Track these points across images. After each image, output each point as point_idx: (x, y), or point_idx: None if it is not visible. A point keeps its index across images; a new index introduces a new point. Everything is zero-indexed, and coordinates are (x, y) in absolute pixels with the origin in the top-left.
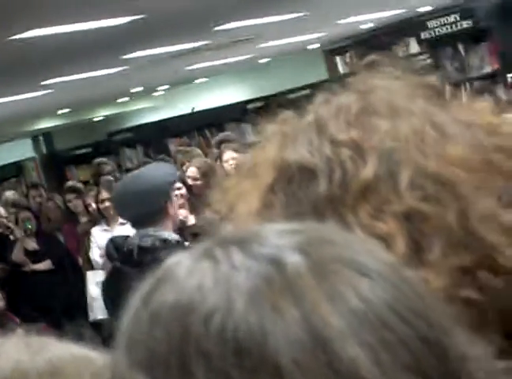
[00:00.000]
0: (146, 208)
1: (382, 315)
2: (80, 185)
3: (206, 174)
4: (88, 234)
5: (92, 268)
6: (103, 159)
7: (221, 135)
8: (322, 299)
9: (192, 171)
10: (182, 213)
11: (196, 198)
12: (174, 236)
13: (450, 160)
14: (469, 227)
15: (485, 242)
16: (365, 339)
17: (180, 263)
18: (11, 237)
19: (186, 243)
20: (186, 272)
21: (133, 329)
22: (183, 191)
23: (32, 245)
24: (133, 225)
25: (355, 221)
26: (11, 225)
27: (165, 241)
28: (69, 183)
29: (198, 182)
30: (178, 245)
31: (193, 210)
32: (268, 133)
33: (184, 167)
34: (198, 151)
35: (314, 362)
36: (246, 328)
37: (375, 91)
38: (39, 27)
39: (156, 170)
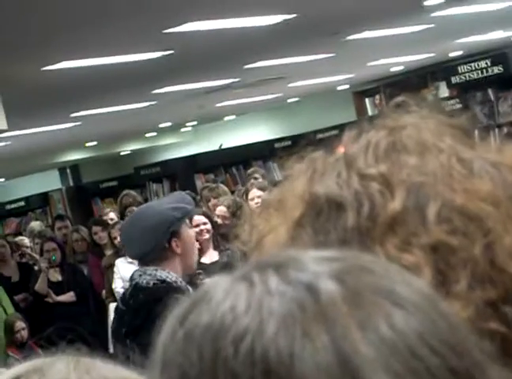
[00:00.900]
0: (148, 245)
1: (412, 345)
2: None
3: (235, 213)
4: (112, 266)
5: (115, 299)
6: (129, 191)
7: (250, 170)
8: (353, 327)
9: (221, 210)
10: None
11: (222, 236)
12: (173, 277)
13: (477, 195)
14: (495, 261)
15: (511, 276)
16: (393, 367)
17: (218, 285)
18: (35, 267)
19: (188, 286)
20: (221, 294)
21: (168, 349)
22: (208, 226)
23: (56, 276)
24: (139, 263)
25: (383, 252)
26: (36, 255)
27: (163, 281)
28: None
29: (227, 222)
30: (178, 287)
31: (217, 247)
32: (296, 168)
33: (210, 204)
34: (225, 188)
35: None
36: (276, 351)
37: (404, 128)
38: (72, 59)
39: (163, 205)
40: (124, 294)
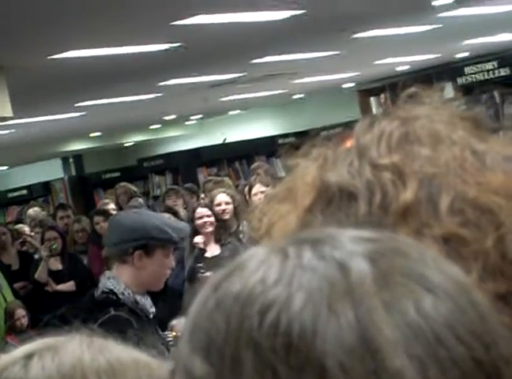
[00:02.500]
0: (116, 240)
1: (438, 331)
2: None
3: (235, 198)
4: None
5: None
6: (124, 184)
7: (254, 165)
8: (380, 307)
9: (222, 197)
10: (198, 240)
11: (224, 228)
12: (121, 288)
13: (490, 187)
14: (507, 254)
15: None
16: (416, 352)
17: (254, 255)
18: (36, 256)
19: (137, 298)
20: (255, 264)
21: (199, 315)
22: (212, 219)
23: (56, 265)
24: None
25: None
26: (36, 244)
27: (110, 291)
28: (107, 208)
29: (230, 206)
30: (119, 301)
31: (218, 240)
32: (308, 156)
33: (209, 197)
34: (230, 182)
35: (359, 368)
36: (299, 325)
37: (417, 118)
38: (79, 48)
39: (155, 220)
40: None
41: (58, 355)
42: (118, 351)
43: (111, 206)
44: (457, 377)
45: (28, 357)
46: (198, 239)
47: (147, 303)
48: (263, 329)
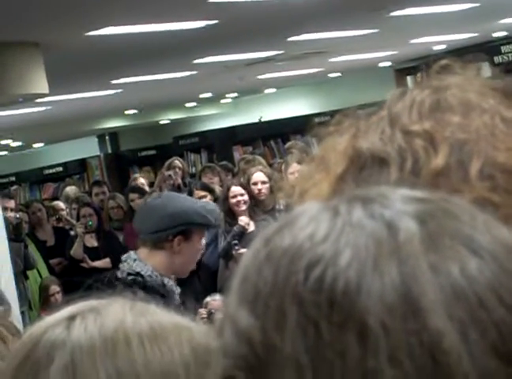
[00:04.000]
0: (154, 226)
1: (481, 294)
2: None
3: (271, 177)
4: None
5: None
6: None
7: (289, 143)
8: (425, 268)
9: (259, 175)
10: (244, 220)
11: (258, 206)
12: (148, 270)
13: None
14: None
15: None
16: (457, 314)
17: (305, 211)
18: (71, 232)
19: (165, 281)
20: (305, 220)
21: (248, 268)
22: (245, 197)
23: (92, 242)
24: (138, 240)
25: None
26: (72, 220)
27: (137, 274)
28: (138, 183)
29: (266, 185)
30: (149, 282)
31: (253, 217)
32: (340, 126)
33: (245, 176)
34: (262, 160)
35: (400, 328)
36: (344, 281)
37: (448, 87)
38: (116, 25)
39: (193, 205)
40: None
41: (100, 317)
42: (159, 315)
43: (141, 180)
44: (496, 340)
45: (71, 318)
46: (244, 218)
47: (173, 285)
48: (308, 284)
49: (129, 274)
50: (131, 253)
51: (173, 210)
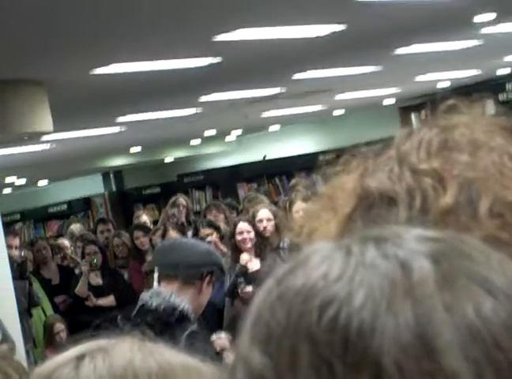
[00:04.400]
0: (190, 262)
1: (496, 335)
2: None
3: (276, 215)
4: (153, 272)
5: None
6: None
7: (293, 181)
8: (440, 308)
9: (264, 213)
10: (244, 258)
11: (264, 243)
12: (185, 306)
13: None
14: None
15: None
16: (473, 354)
17: (318, 251)
18: (76, 270)
19: (194, 326)
20: (319, 260)
21: (261, 307)
22: (252, 235)
23: (96, 279)
24: (160, 278)
25: None
26: (77, 258)
27: (174, 309)
28: (140, 221)
29: (271, 223)
30: (187, 316)
31: (259, 255)
32: (348, 166)
33: (250, 213)
34: (264, 197)
35: (416, 368)
36: (358, 321)
37: (456, 126)
38: (120, 62)
39: (204, 247)
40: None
41: (109, 357)
42: (168, 355)
43: (144, 218)
44: None
45: (80, 358)
46: (245, 256)
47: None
48: (322, 324)
49: (164, 309)
50: (167, 289)
51: (207, 248)
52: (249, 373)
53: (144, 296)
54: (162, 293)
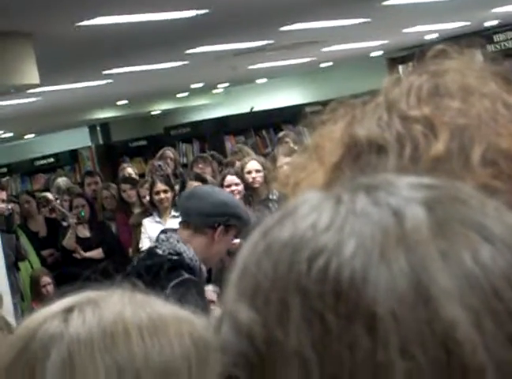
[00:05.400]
0: (205, 209)
1: (495, 283)
2: (130, 170)
3: (265, 166)
4: (140, 225)
5: None
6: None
7: (281, 133)
8: (435, 256)
9: (253, 164)
10: None
11: (253, 195)
12: (191, 253)
13: None
14: None
15: None
16: (471, 303)
17: (306, 201)
18: (64, 223)
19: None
20: (307, 210)
21: (247, 261)
22: (240, 187)
23: (84, 232)
24: (181, 222)
25: None
26: (65, 211)
27: (179, 254)
28: (125, 173)
29: (260, 174)
30: (191, 264)
31: (248, 207)
32: (335, 114)
33: (238, 165)
34: (249, 150)
35: (411, 317)
36: (349, 271)
37: (447, 72)
38: (106, 15)
39: (235, 198)
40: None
41: (98, 309)
42: (159, 307)
43: (128, 170)
44: None
45: (68, 311)
46: None
47: (205, 271)
48: (312, 275)
49: (170, 254)
50: (173, 234)
51: (224, 199)
52: (236, 329)
53: (160, 236)
54: (173, 236)
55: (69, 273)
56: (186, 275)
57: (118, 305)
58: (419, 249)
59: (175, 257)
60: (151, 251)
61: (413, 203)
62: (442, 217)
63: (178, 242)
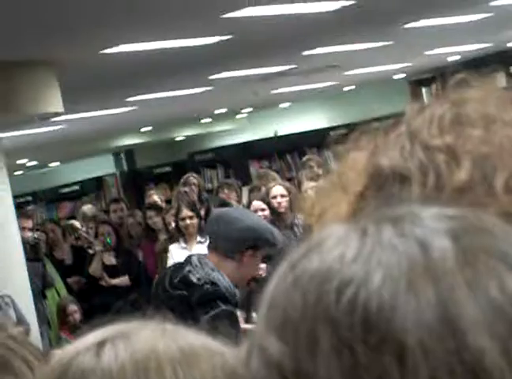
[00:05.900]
0: (233, 234)
1: None
2: (156, 198)
3: (290, 191)
4: (166, 251)
5: None
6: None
7: (305, 157)
8: (462, 286)
9: (278, 189)
10: None
11: (278, 220)
12: (225, 282)
13: None
14: None
15: None
16: (499, 332)
17: (332, 233)
18: (90, 250)
19: (236, 292)
20: (333, 242)
21: (276, 292)
22: (266, 213)
23: (110, 259)
24: (209, 246)
25: None
26: (91, 238)
27: (214, 284)
28: (150, 200)
29: (285, 199)
30: (225, 294)
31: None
32: (358, 143)
33: (263, 189)
34: (274, 174)
35: (440, 347)
36: (378, 301)
37: (468, 101)
38: (130, 42)
39: (265, 223)
40: (171, 276)
41: (130, 343)
42: (191, 339)
43: (154, 198)
44: None
45: (100, 345)
46: None
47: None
48: (340, 306)
49: (205, 282)
50: (207, 261)
51: (251, 223)
52: (265, 360)
53: (193, 259)
54: (208, 264)
55: (100, 303)
56: (223, 307)
57: (149, 338)
58: (446, 279)
59: (211, 288)
60: (186, 279)
61: (438, 233)
62: (467, 247)
63: (212, 270)
